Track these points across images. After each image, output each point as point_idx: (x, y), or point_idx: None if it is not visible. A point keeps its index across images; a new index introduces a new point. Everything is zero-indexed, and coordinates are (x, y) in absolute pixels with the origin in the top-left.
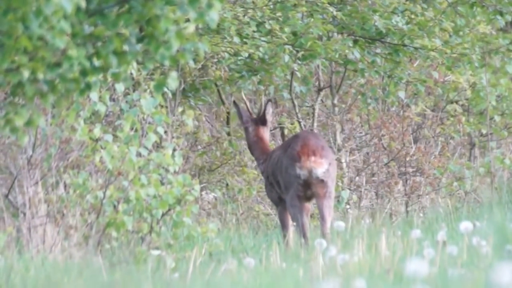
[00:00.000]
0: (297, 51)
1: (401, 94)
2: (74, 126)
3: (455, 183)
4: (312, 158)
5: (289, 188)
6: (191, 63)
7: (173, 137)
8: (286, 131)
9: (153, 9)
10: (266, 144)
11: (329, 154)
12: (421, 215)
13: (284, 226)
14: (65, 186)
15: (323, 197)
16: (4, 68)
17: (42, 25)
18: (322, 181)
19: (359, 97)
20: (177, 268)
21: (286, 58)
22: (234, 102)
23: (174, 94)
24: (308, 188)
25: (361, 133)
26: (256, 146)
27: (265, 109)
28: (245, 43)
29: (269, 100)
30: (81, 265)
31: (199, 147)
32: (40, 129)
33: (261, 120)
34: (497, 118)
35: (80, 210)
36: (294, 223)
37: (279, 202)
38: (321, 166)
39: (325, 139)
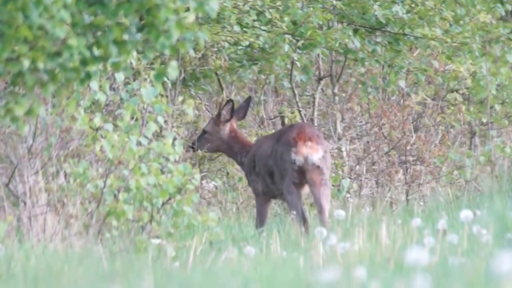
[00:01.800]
0: (297, 40)
1: (402, 83)
2: (74, 115)
3: (455, 172)
4: (309, 144)
5: (284, 176)
6: (191, 52)
7: (173, 126)
8: (286, 120)
9: None
10: (244, 137)
11: (325, 143)
12: (422, 203)
13: (260, 221)
14: (65, 175)
15: (320, 185)
16: (4, 58)
17: (42, 14)
18: (318, 167)
19: (360, 86)
20: (178, 257)
21: (286, 47)
22: (231, 100)
23: (174, 84)
24: (303, 176)
25: (361, 122)
26: (235, 141)
27: (248, 105)
28: (245, 32)
29: (249, 97)
30: (82, 254)
31: None
32: (40, 118)
33: (237, 114)
34: (497, 107)
35: (80, 199)
36: (294, 212)
37: (262, 195)
38: (317, 152)
39: (326, 128)
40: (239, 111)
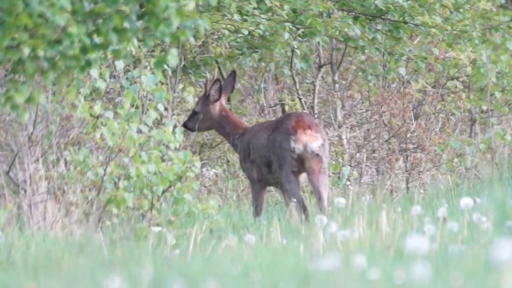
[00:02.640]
0: (297, 29)
1: (402, 70)
2: (74, 103)
3: (455, 160)
4: (308, 132)
5: (282, 164)
6: (192, 40)
7: (173, 114)
8: (287, 108)
9: None
10: (236, 117)
11: (323, 131)
12: (422, 191)
13: (258, 209)
14: (65, 163)
15: (318, 173)
16: (4, 46)
17: (42, 2)
18: (317, 155)
19: (360, 73)
20: (178, 244)
21: (286, 35)
22: (218, 79)
23: (174, 71)
24: (302, 164)
25: (361, 109)
26: (227, 121)
27: (234, 79)
28: (245, 20)
29: (234, 71)
30: (82, 241)
31: None
32: (41, 106)
33: (225, 91)
34: (497, 94)
35: (80, 187)
36: (294, 200)
37: (257, 182)
38: (317, 140)
39: (326, 115)
40: (227, 86)
